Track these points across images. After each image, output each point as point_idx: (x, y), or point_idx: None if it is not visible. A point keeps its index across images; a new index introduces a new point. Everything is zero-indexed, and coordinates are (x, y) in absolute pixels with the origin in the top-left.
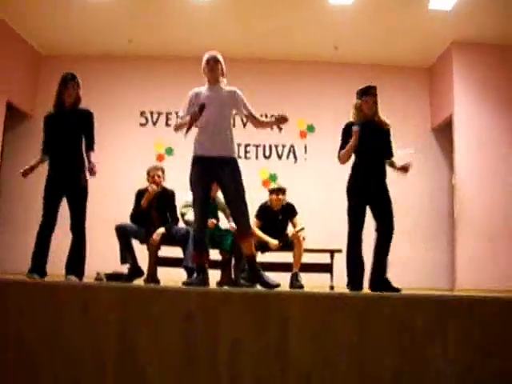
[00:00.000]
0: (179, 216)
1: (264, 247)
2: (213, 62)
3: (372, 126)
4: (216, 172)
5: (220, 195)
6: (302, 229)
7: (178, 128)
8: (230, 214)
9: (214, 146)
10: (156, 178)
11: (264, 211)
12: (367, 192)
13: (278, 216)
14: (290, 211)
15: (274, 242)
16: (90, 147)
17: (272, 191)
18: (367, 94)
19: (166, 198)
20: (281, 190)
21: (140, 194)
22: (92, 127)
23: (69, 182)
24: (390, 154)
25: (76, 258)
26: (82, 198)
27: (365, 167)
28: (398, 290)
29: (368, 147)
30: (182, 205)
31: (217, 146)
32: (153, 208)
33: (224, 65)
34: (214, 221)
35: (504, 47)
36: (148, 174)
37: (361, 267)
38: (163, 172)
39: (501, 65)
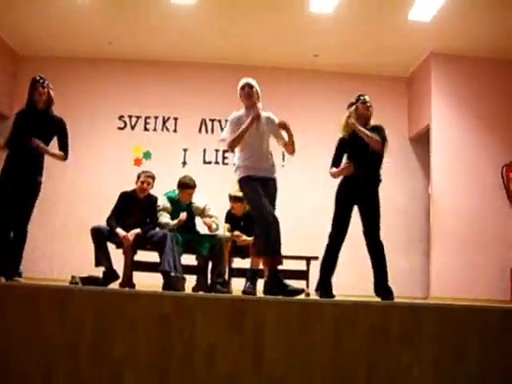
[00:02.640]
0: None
1: (241, 251)
2: (248, 89)
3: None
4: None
5: (197, 200)
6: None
7: (235, 143)
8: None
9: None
10: (145, 184)
11: (230, 217)
12: (358, 197)
13: (239, 222)
14: (251, 217)
15: (247, 238)
16: (65, 156)
17: (230, 198)
18: (363, 96)
19: (150, 204)
20: (235, 199)
21: (123, 198)
22: (65, 135)
23: (22, 179)
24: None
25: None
26: (31, 197)
27: (357, 176)
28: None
29: (360, 156)
30: (158, 208)
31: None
32: (134, 214)
33: (258, 89)
34: (184, 215)
35: (482, 59)
36: (138, 177)
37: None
38: (153, 180)
39: (479, 76)
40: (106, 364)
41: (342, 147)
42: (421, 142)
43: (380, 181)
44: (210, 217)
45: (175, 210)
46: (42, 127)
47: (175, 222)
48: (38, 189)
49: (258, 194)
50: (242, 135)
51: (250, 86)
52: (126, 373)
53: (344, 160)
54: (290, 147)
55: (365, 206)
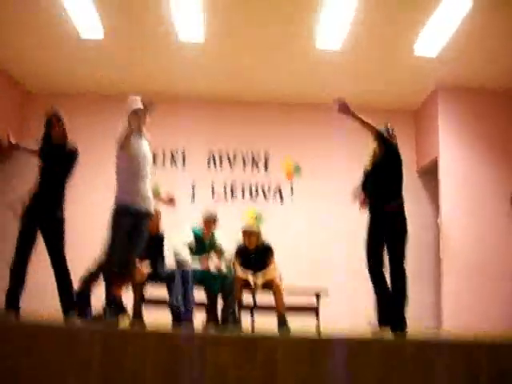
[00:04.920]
0: (171, 253)
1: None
2: (140, 112)
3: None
4: None
5: (219, 237)
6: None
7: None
8: None
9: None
10: (155, 223)
11: (240, 250)
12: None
13: (251, 255)
14: (265, 252)
15: (258, 280)
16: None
17: (242, 233)
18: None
19: (158, 241)
20: (247, 233)
21: None
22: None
23: (45, 216)
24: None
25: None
26: (59, 233)
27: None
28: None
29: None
30: (178, 243)
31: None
32: (146, 253)
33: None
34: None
35: (488, 91)
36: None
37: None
38: (160, 214)
39: (486, 109)
40: None
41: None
42: (429, 174)
43: (396, 204)
44: (223, 255)
45: (198, 245)
46: (59, 160)
47: (196, 266)
48: (62, 222)
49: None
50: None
51: (141, 110)
52: None
53: None
54: None
55: (386, 234)
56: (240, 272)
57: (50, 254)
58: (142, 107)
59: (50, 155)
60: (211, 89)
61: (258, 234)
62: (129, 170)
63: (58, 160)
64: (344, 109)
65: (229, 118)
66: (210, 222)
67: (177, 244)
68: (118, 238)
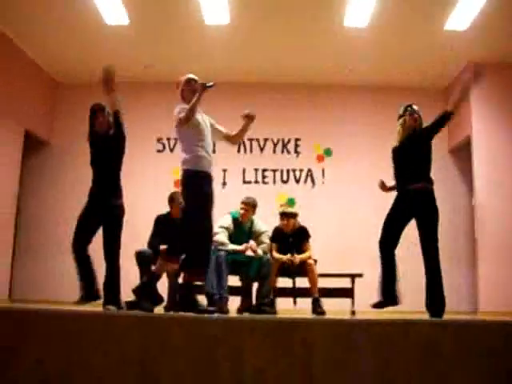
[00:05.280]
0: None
1: (287, 270)
2: (194, 83)
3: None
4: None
5: (259, 222)
6: (309, 257)
7: (189, 113)
8: None
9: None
10: (180, 205)
11: (277, 234)
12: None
13: (289, 239)
14: (302, 234)
15: (295, 256)
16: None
17: (281, 215)
18: (411, 108)
19: None
20: (287, 215)
21: (159, 221)
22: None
23: (99, 205)
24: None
25: (109, 286)
26: (116, 226)
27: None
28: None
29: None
30: (217, 226)
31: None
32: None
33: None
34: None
35: None
36: (170, 200)
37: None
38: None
39: None
40: None
41: (393, 157)
42: (461, 153)
43: (428, 186)
44: (262, 243)
45: (236, 229)
46: (108, 150)
47: (234, 247)
48: (119, 215)
49: (207, 196)
50: (194, 107)
51: (195, 81)
52: None
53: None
54: (237, 137)
55: (418, 217)
56: (277, 255)
57: (104, 243)
58: (199, 84)
59: (96, 144)
60: (238, 71)
61: (296, 216)
62: (197, 137)
63: (105, 148)
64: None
65: (255, 100)
66: (250, 207)
67: (217, 226)
68: (203, 205)
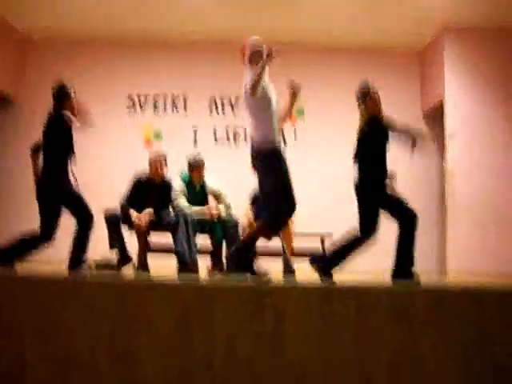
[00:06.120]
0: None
1: None
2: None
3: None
4: None
5: (211, 182)
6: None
7: (257, 82)
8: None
9: None
10: (160, 168)
11: (257, 197)
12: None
13: None
14: None
15: None
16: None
17: None
18: (371, 92)
19: (166, 189)
20: None
21: (137, 184)
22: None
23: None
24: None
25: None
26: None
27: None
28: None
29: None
30: (175, 191)
31: None
32: (151, 200)
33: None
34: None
35: (496, 30)
36: (151, 161)
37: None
38: (165, 160)
39: (493, 48)
40: (124, 355)
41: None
42: (434, 117)
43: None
44: (223, 203)
45: (189, 192)
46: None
47: (196, 209)
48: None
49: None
50: (262, 73)
51: (261, 46)
52: (145, 364)
53: None
54: (286, 116)
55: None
56: (252, 219)
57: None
58: (264, 49)
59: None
60: (211, 30)
61: None
62: (268, 111)
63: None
64: None
65: (230, 59)
66: (198, 168)
67: (174, 192)
68: (285, 179)
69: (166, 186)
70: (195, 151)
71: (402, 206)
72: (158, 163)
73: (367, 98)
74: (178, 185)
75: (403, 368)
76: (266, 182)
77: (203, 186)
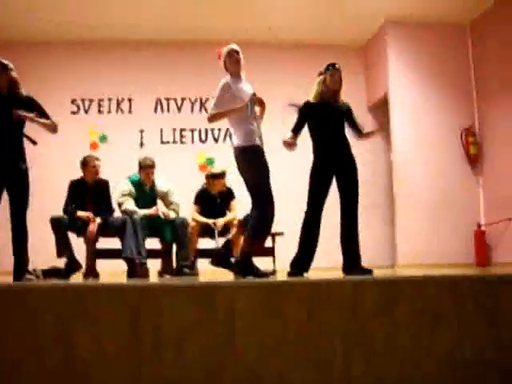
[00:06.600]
0: (116, 206)
1: (210, 232)
2: (236, 55)
3: (330, 107)
4: None
5: (160, 182)
6: (234, 218)
7: (218, 116)
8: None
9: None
10: (96, 169)
11: (203, 196)
12: (333, 172)
13: (216, 200)
14: (228, 195)
15: (218, 221)
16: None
17: (214, 176)
18: (333, 67)
19: (100, 188)
20: (215, 176)
21: (73, 186)
22: (40, 107)
23: (9, 171)
24: (360, 132)
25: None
26: (23, 189)
27: (329, 148)
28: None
29: (330, 129)
30: (119, 194)
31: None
32: (88, 201)
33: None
34: (156, 208)
35: (437, 26)
36: (84, 163)
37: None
38: (97, 160)
39: (435, 42)
40: (72, 364)
41: (306, 112)
42: (380, 110)
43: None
44: (171, 203)
45: (138, 194)
46: (9, 111)
47: (145, 212)
48: (23, 177)
49: (267, 169)
50: (226, 115)
51: (237, 52)
52: (95, 371)
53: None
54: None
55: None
56: (199, 218)
57: (12, 210)
58: (236, 50)
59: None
60: (153, 30)
61: (224, 176)
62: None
63: (9, 109)
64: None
65: (173, 59)
66: (149, 168)
67: (119, 194)
68: (266, 175)
69: (101, 187)
70: (142, 152)
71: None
72: (92, 163)
73: (327, 73)
74: (125, 186)
75: (357, 361)
76: (248, 179)
77: (153, 187)
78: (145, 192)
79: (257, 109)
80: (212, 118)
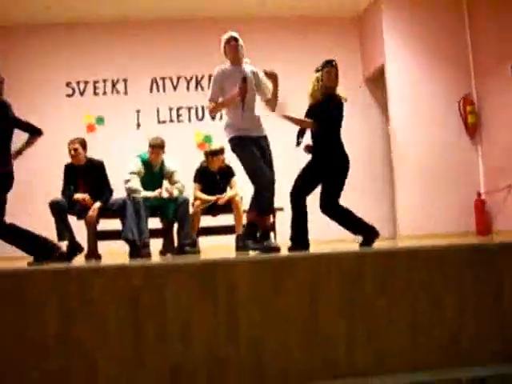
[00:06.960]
0: (123, 182)
1: (212, 208)
2: (234, 42)
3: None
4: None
5: (169, 163)
6: (236, 195)
7: (215, 109)
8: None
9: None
10: (72, 151)
11: (203, 174)
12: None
13: (216, 177)
14: (228, 172)
15: (221, 196)
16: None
17: (212, 153)
18: (330, 65)
19: (93, 170)
20: (214, 153)
21: (67, 169)
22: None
23: None
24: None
25: None
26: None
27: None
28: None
29: (323, 126)
30: (128, 172)
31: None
32: (80, 183)
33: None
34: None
35: None
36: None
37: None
38: (82, 144)
39: (430, 12)
40: (75, 349)
41: (310, 115)
42: (376, 81)
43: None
44: (176, 183)
45: (147, 173)
46: None
47: (148, 194)
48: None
49: (252, 155)
50: (226, 105)
51: (236, 39)
52: (98, 355)
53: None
54: (273, 102)
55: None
56: (202, 196)
57: None
58: (234, 37)
59: None
60: (145, 9)
61: (223, 152)
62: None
63: None
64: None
65: (167, 38)
66: (159, 148)
67: (125, 173)
68: (256, 161)
69: (93, 167)
70: (138, 133)
71: None
72: (69, 147)
73: (324, 70)
74: (133, 166)
75: (360, 334)
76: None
77: (162, 167)
78: (153, 172)
79: (270, 85)
80: (211, 112)
